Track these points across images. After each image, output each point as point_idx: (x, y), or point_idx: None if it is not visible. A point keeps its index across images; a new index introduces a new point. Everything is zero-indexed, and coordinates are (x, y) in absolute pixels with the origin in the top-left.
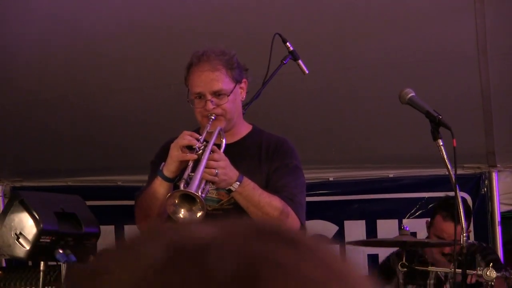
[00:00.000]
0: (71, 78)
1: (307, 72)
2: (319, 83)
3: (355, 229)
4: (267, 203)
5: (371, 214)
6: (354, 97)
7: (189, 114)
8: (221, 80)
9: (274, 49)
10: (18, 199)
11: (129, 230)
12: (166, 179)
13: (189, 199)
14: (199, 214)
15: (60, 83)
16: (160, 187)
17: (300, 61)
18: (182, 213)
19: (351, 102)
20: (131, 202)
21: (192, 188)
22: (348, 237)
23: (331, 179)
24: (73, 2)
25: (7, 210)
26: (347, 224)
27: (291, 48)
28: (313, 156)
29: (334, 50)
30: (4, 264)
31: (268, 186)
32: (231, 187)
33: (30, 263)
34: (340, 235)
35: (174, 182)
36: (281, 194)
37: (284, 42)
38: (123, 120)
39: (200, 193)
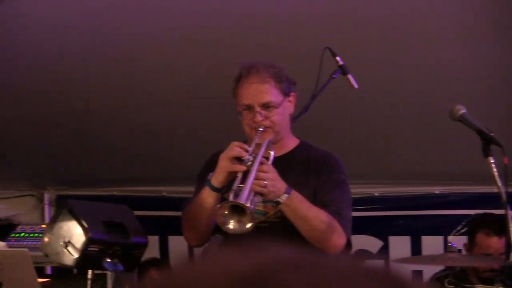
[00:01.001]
0: (118, 89)
1: (356, 87)
2: (366, 98)
3: (400, 245)
4: (314, 217)
5: (416, 230)
6: (401, 112)
7: (234, 126)
8: (270, 93)
9: (323, 63)
10: (67, 208)
11: (173, 241)
12: (214, 189)
13: (238, 210)
14: (248, 225)
15: (107, 93)
16: (208, 197)
17: (349, 76)
18: (231, 224)
19: (398, 117)
20: (176, 213)
21: (242, 199)
22: (393, 253)
23: (376, 194)
24: (118, 14)
25: (56, 218)
26: (392, 239)
27: (341, 63)
28: (359, 171)
29: (382, 65)
30: (49, 272)
31: (315, 200)
32: (279, 199)
33: (75, 270)
34: (384, 251)
35: (221, 192)
36: (328, 208)
37: (334, 56)
38: (169, 131)
39: (249, 205)
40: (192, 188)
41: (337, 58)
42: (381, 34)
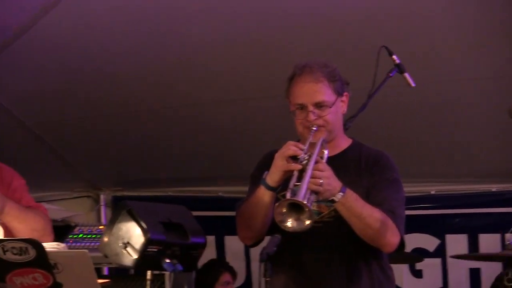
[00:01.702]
0: (176, 90)
1: (413, 85)
2: (422, 96)
3: (457, 243)
4: (369, 215)
5: (473, 228)
6: (458, 110)
7: (290, 125)
8: (324, 92)
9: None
10: (126, 209)
11: (230, 241)
12: (269, 188)
13: (296, 208)
14: (307, 223)
15: (163, 95)
16: (263, 196)
17: (406, 74)
18: (290, 222)
19: (454, 115)
20: (232, 213)
21: (299, 197)
22: (450, 251)
23: (432, 192)
24: (178, 14)
25: (115, 219)
26: (449, 238)
27: (398, 61)
28: (415, 170)
29: (439, 63)
30: (106, 272)
31: (368, 200)
32: (334, 198)
33: (131, 271)
34: (441, 249)
35: (276, 191)
36: (382, 206)
37: (390, 54)
38: (224, 131)
39: (307, 203)
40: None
41: (394, 56)
42: (436, 33)
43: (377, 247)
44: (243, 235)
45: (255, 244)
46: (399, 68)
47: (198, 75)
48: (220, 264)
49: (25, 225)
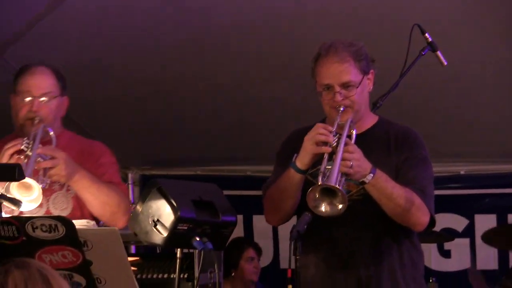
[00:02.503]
0: (205, 70)
1: (445, 63)
2: (451, 76)
3: (486, 223)
4: (399, 195)
5: (502, 208)
6: (489, 91)
7: (318, 106)
8: (350, 72)
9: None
10: (156, 187)
11: (258, 219)
12: (299, 171)
13: (329, 193)
14: (340, 206)
15: (190, 75)
16: (293, 178)
17: (438, 52)
18: (323, 207)
19: (485, 95)
20: (260, 192)
21: (332, 182)
22: (479, 231)
23: (462, 172)
24: None
25: (145, 197)
26: (478, 218)
27: (430, 39)
28: (444, 150)
29: (472, 45)
30: (133, 251)
31: (397, 176)
32: (364, 179)
33: (158, 249)
34: (470, 229)
35: (306, 174)
36: (412, 185)
37: (423, 33)
38: (253, 110)
39: (339, 186)
40: None
41: (426, 35)
42: (469, 13)
43: (407, 226)
44: (270, 218)
45: (281, 224)
46: (432, 47)
47: (227, 55)
48: (243, 241)
49: (96, 197)
